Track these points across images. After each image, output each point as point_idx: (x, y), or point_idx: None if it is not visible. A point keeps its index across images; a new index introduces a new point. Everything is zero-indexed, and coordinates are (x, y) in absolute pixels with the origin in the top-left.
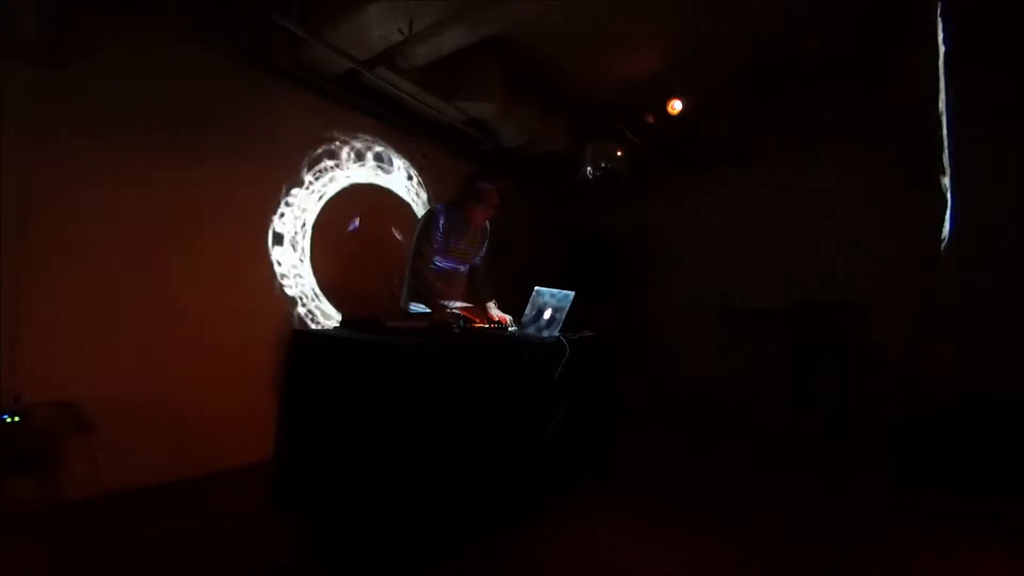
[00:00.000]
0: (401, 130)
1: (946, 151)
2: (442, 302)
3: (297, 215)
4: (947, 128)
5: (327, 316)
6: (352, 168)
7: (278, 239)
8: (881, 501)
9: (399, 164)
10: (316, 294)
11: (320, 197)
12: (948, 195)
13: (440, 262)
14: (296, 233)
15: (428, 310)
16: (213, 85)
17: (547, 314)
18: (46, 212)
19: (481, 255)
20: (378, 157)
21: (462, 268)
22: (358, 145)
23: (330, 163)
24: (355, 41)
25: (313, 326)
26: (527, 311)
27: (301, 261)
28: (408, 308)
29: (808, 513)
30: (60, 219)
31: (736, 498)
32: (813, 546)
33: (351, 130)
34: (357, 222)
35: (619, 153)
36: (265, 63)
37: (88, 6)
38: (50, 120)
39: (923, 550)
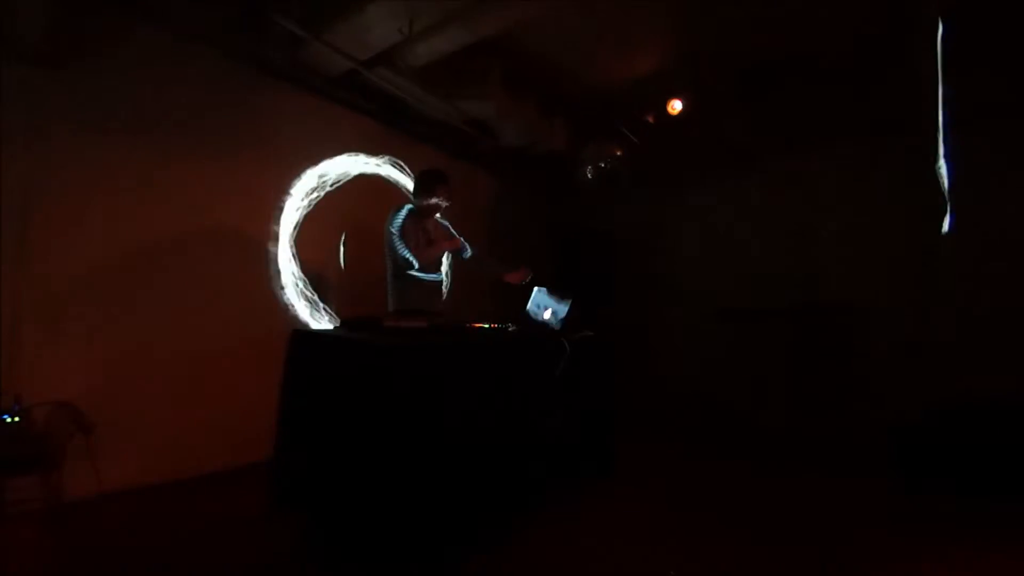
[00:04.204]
0: (401, 130)
1: (945, 151)
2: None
3: (296, 215)
4: (946, 128)
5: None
6: (349, 167)
7: (277, 239)
8: (880, 501)
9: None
10: (309, 294)
11: (316, 198)
12: (947, 195)
13: (413, 266)
14: (295, 233)
15: (418, 309)
16: (213, 85)
17: (547, 314)
18: (46, 212)
19: (464, 247)
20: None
21: (434, 276)
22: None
23: (328, 163)
24: (355, 41)
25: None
26: (527, 310)
27: (296, 261)
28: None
29: (808, 513)
30: (60, 219)
31: (736, 498)
32: (813, 546)
33: (350, 131)
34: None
35: (619, 153)
36: (265, 63)
37: (88, 6)
38: (50, 120)
39: (923, 550)
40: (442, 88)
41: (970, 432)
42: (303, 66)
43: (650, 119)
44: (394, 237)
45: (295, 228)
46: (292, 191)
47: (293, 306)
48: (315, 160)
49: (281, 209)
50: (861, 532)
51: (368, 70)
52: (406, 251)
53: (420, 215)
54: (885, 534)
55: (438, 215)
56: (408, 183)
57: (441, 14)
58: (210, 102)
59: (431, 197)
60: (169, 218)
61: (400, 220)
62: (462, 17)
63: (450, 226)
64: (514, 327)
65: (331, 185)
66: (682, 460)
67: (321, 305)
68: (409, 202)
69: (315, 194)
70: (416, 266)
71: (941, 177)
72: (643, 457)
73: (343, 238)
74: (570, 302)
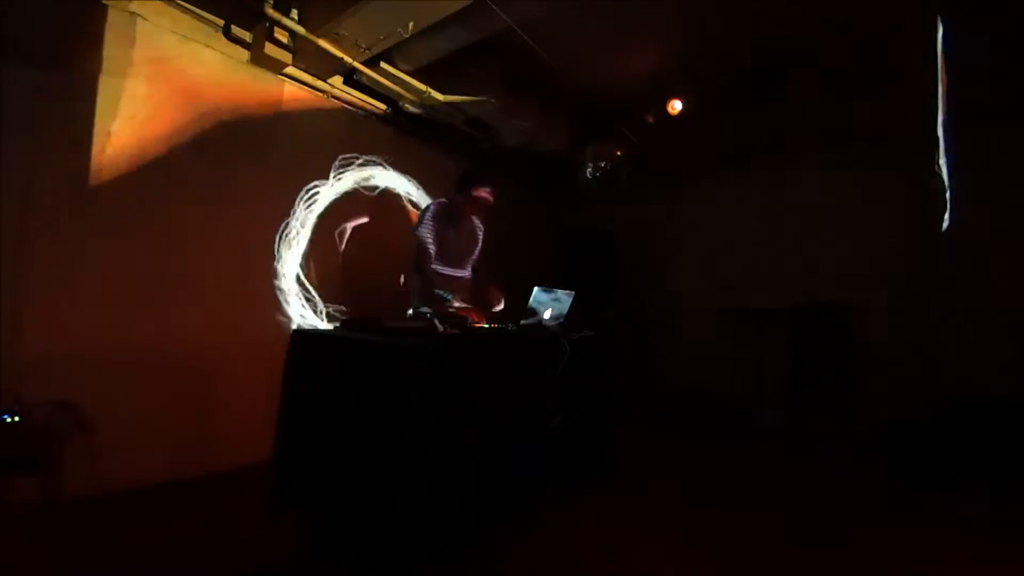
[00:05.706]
0: (401, 130)
1: (945, 151)
2: (441, 294)
3: (295, 216)
4: (946, 128)
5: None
6: (349, 170)
7: (277, 240)
8: (881, 501)
9: (394, 172)
10: (311, 295)
11: (319, 198)
12: (947, 195)
13: (438, 261)
14: (295, 234)
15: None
16: (212, 84)
17: (547, 313)
18: (46, 212)
19: (475, 257)
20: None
21: (460, 272)
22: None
23: (327, 164)
24: (355, 40)
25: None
26: (528, 310)
27: (299, 262)
28: (419, 311)
29: (808, 513)
30: (60, 219)
31: (736, 498)
32: (813, 546)
33: (349, 131)
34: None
35: (619, 153)
36: (264, 62)
37: (88, 5)
38: (50, 120)
39: (923, 550)
40: (441, 87)
41: (970, 432)
42: (303, 65)
43: (650, 119)
44: (418, 228)
45: (295, 228)
46: (291, 191)
47: (294, 306)
48: (314, 161)
49: (281, 209)
50: (861, 532)
51: (368, 69)
52: (426, 243)
53: (454, 212)
54: (885, 534)
55: (476, 220)
56: (410, 187)
57: (441, 13)
58: (209, 101)
59: (461, 195)
60: (169, 218)
61: (429, 213)
62: (462, 17)
63: (478, 240)
64: (514, 327)
65: (337, 183)
66: (682, 460)
67: (322, 306)
68: (447, 197)
69: (317, 195)
70: (430, 261)
71: (941, 177)
72: (643, 457)
73: None
74: (570, 301)
